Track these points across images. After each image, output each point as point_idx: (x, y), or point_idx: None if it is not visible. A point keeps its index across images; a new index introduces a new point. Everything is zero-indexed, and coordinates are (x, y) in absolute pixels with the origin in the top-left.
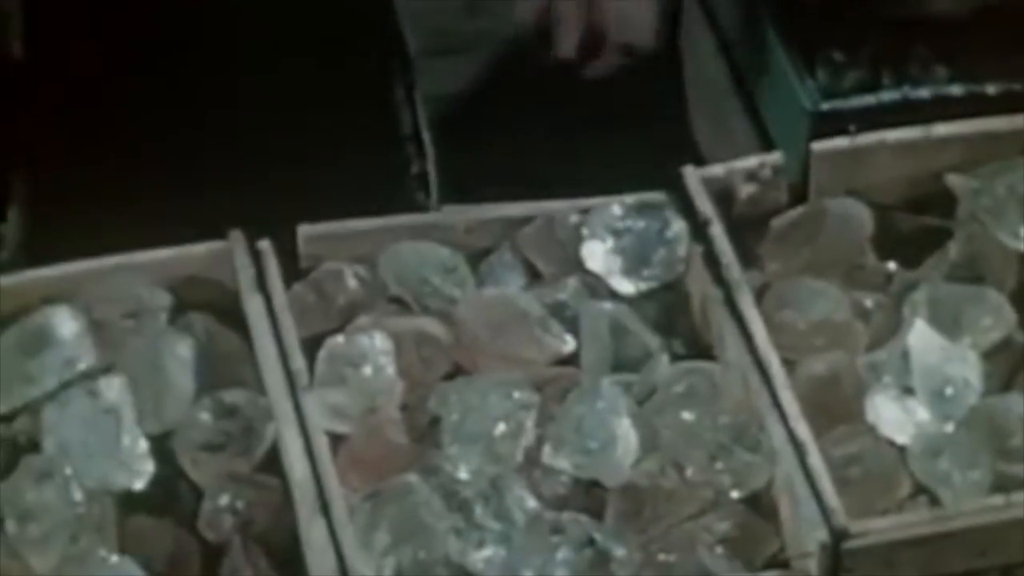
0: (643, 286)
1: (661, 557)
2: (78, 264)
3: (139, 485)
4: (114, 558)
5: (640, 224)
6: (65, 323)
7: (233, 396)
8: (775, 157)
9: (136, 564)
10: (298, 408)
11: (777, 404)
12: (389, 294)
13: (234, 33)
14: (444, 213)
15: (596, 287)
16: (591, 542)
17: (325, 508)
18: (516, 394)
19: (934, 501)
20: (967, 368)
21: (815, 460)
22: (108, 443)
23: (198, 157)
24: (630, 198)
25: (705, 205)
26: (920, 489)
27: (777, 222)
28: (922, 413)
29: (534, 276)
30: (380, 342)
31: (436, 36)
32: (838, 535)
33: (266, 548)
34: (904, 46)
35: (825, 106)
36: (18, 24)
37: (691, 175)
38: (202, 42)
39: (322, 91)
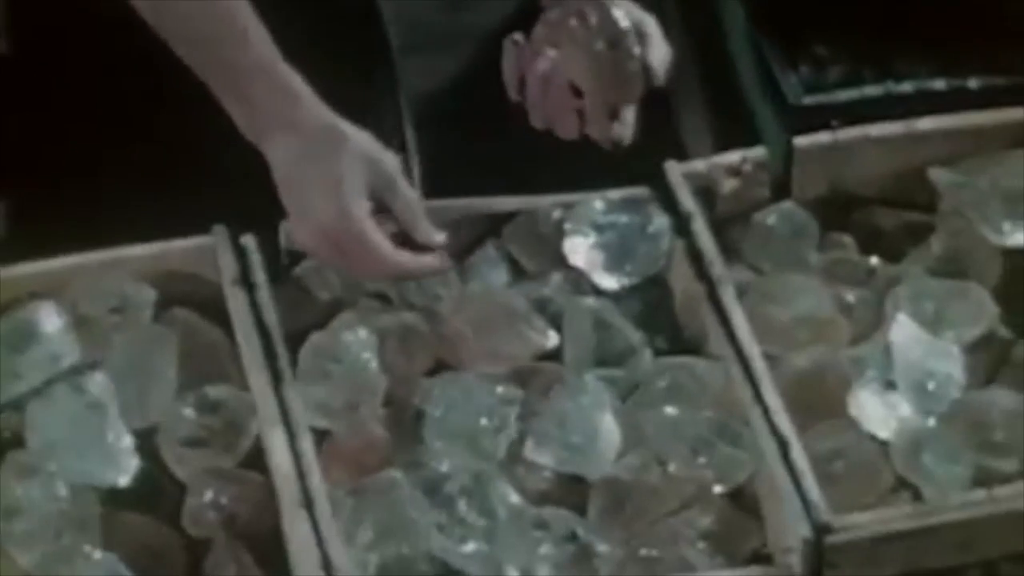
0: (626, 281)
1: (643, 552)
2: (63, 260)
3: (123, 481)
4: (98, 554)
5: (623, 219)
6: (50, 319)
7: (217, 391)
8: (757, 152)
9: (120, 560)
10: (281, 403)
11: (760, 399)
12: (372, 289)
13: None
14: (427, 209)
15: (579, 282)
16: (574, 537)
17: (308, 503)
18: (499, 389)
19: (916, 496)
20: (949, 363)
21: (798, 455)
22: (93, 439)
23: (182, 153)
24: (613, 193)
25: (687, 200)
26: (902, 483)
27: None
28: (905, 408)
29: (517, 271)
30: (363, 337)
31: (418, 32)
32: (821, 530)
33: (250, 543)
34: (887, 41)
35: (808, 101)
36: (3, 19)
37: (673, 170)
38: None
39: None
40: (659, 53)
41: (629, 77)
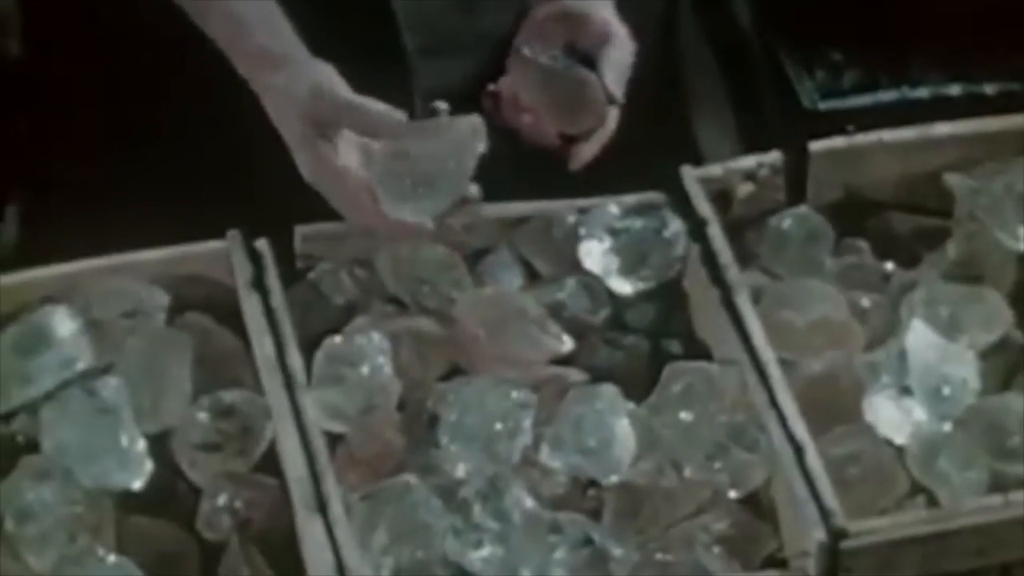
0: (641, 286)
1: (659, 556)
2: (76, 264)
3: (137, 485)
4: (112, 558)
5: (638, 224)
6: (63, 323)
7: (231, 396)
8: (773, 157)
9: (134, 564)
10: (296, 408)
11: (775, 404)
12: (387, 294)
13: None
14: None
15: (594, 286)
16: (589, 541)
17: (323, 507)
18: (514, 394)
19: (932, 501)
20: (965, 368)
21: (813, 460)
22: (106, 443)
23: (196, 156)
24: (628, 198)
25: (703, 205)
26: (918, 489)
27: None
28: (920, 413)
29: (532, 275)
30: (378, 342)
31: (433, 36)
32: (836, 535)
33: (264, 547)
34: (902, 46)
35: (823, 106)
36: (16, 24)
37: (689, 175)
38: (200, 40)
39: None
40: (618, 67)
41: (586, 111)
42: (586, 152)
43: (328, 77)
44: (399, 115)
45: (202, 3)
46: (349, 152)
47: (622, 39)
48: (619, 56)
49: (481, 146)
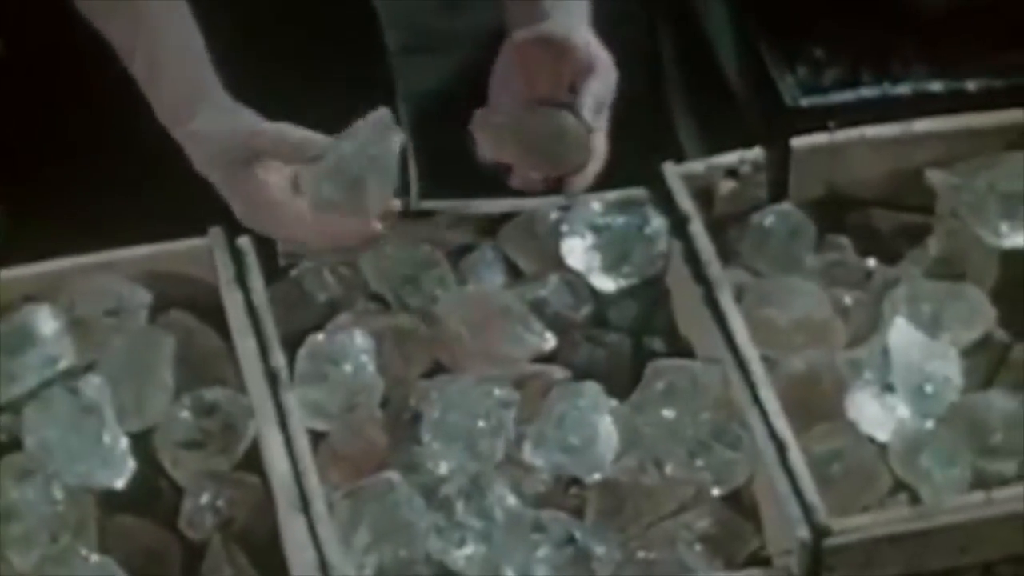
0: (623, 282)
1: (641, 555)
2: (59, 262)
3: (120, 483)
4: (94, 557)
5: (620, 220)
6: (46, 321)
7: (213, 394)
8: (755, 153)
9: (116, 563)
10: (278, 406)
11: (757, 401)
12: (369, 292)
13: (215, 31)
14: (424, 210)
15: (576, 284)
16: (572, 540)
17: (305, 506)
18: (497, 391)
19: (914, 498)
20: (947, 365)
21: (796, 457)
22: (89, 441)
23: (179, 154)
24: (610, 194)
25: (685, 201)
26: (900, 486)
27: (756, 218)
28: (902, 410)
29: (515, 273)
30: (361, 339)
31: (416, 34)
32: (819, 532)
33: (246, 546)
34: (884, 42)
35: (805, 102)
36: None
37: (671, 171)
38: None
39: (301, 89)
40: (598, 98)
41: (570, 150)
42: (579, 184)
43: (244, 122)
44: (321, 138)
45: (127, 44)
46: (281, 183)
47: (605, 67)
48: (600, 87)
49: (395, 135)
